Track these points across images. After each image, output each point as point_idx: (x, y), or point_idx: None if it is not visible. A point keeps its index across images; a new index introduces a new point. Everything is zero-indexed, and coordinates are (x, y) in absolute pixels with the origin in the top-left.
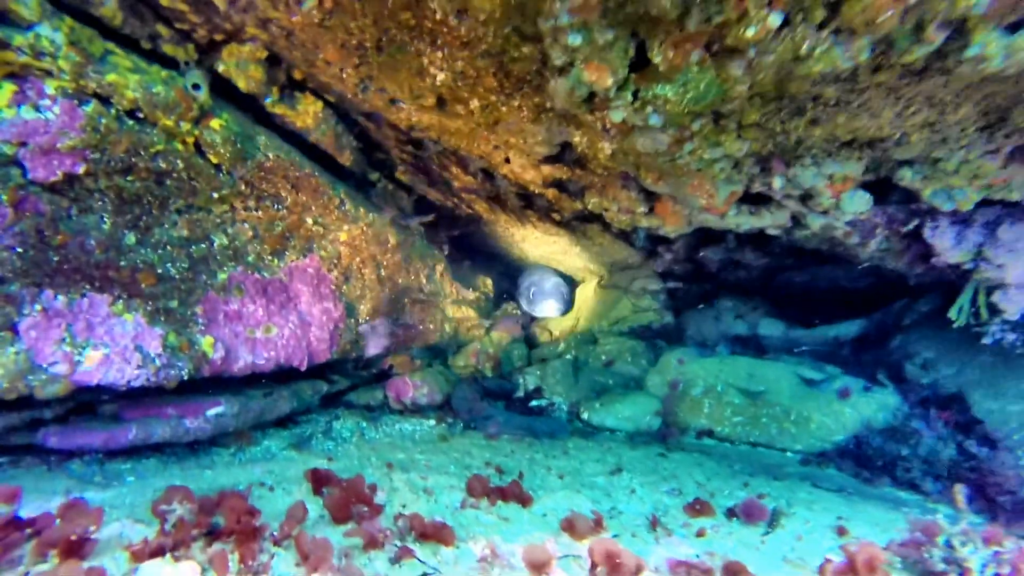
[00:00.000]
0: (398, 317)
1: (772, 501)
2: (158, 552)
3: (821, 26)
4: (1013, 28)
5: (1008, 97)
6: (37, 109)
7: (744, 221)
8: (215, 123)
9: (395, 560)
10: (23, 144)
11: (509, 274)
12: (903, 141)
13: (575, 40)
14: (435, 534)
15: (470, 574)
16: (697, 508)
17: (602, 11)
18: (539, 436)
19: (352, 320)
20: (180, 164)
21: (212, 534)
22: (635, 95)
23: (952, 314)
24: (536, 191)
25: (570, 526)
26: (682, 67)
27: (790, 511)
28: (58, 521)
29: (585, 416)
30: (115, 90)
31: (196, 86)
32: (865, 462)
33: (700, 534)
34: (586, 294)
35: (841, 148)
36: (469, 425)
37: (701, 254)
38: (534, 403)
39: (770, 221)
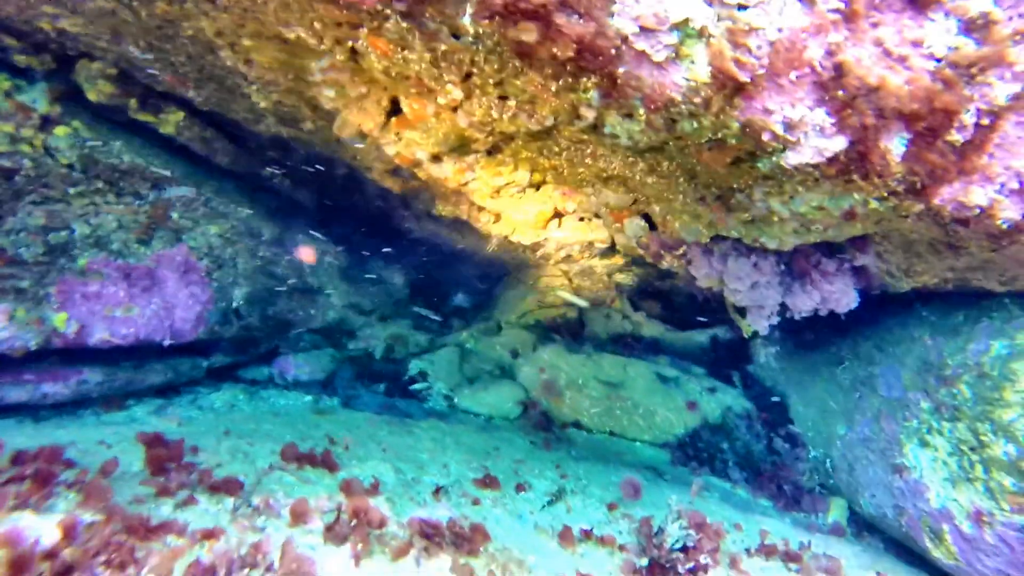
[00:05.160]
0: (275, 303)
1: (572, 481)
2: None
3: None
4: None
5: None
6: None
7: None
8: (59, 130)
9: (179, 505)
10: None
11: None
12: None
13: None
14: (223, 487)
15: (237, 519)
16: (486, 482)
17: None
18: (396, 415)
19: (223, 304)
20: (28, 163)
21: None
22: None
23: (744, 330)
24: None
25: (346, 487)
26: None
27: (583, 490)
28: None
29: (455, 400)
30: None
31: (36, 99)
32: (696, 453)
33: (475, 502)
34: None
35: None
36: (347, 403)
37: None
38: (414, 387)
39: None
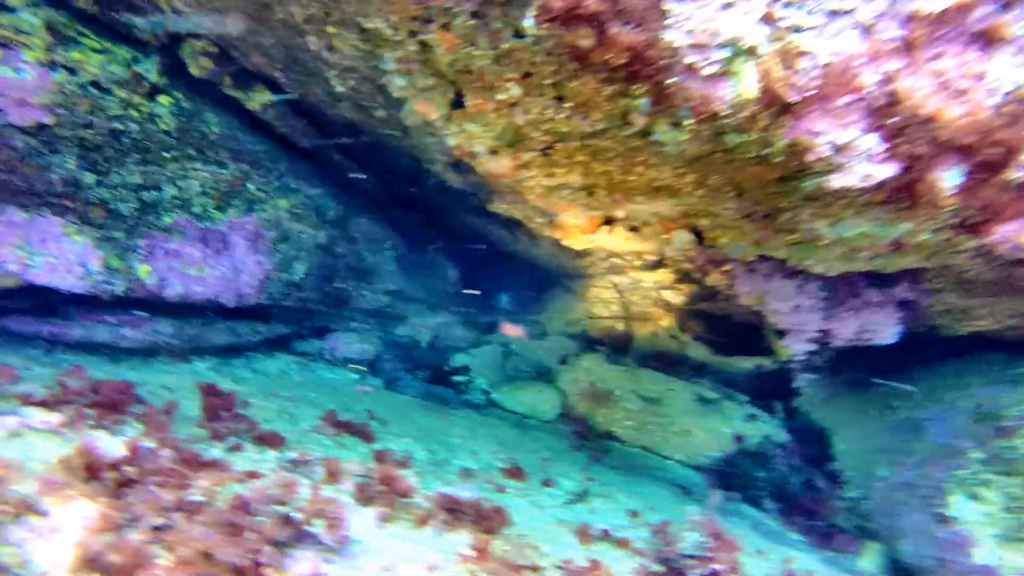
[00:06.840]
0: (332, 281)
1: (597, 485)
2: (40, 404)
3: None
4: None
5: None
6: (16, 71)
7: None
8: (163, 99)
9: (228, 449)
10: (2, 95)
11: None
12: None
13: None
14: (267, 440)
15: (276, 468)
16: (512, 472)
17: None
18: (434, 401)
19: (285, 275)
20: (134, 126)
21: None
22: None
23: (779, 353)
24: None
25: (379, 457)
26: None
27: (609, 494)
28: None
29: (493, 395)
30: (79, 64)
31: (148, 70)
32: (729, 479)
33: (500, 490)
34: None
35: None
36: (389, 384)
37: None
38: (456, 378)
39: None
